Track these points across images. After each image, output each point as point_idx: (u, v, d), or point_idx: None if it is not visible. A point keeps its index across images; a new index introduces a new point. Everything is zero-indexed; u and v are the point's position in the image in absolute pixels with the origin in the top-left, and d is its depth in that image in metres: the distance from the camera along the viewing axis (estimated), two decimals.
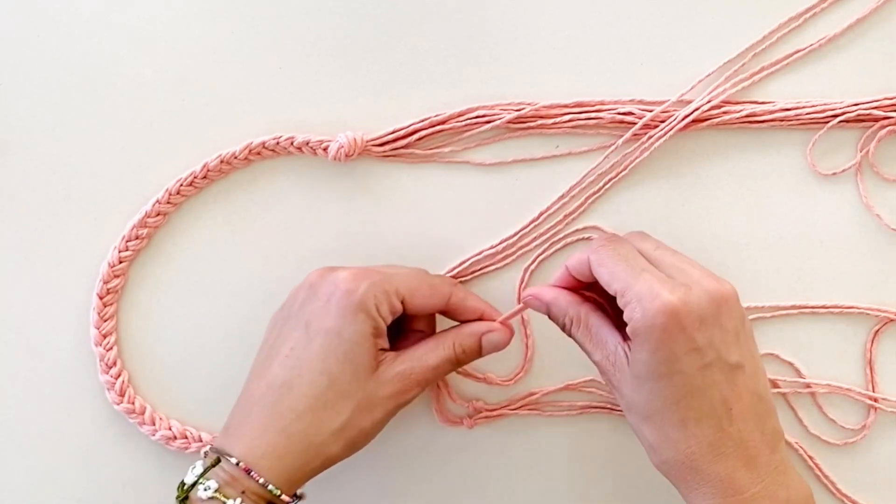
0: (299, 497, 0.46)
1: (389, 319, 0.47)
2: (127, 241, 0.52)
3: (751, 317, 0.51)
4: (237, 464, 0.44)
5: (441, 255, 0.52)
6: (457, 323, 0.50)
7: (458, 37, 0.51)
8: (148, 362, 0.53)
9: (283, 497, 0.44)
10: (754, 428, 0.42)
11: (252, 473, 0.43)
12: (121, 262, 0.52)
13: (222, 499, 0.43)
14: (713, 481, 0.42)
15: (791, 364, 0.52)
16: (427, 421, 0.53)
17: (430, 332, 0.50)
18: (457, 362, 0.48)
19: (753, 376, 0.43)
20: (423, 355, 0.47)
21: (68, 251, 0.52)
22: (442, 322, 0.50)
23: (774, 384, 0.52)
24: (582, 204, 0.52)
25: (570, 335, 0.46)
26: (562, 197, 0.52)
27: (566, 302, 0.46)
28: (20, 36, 0.52)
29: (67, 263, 0.52)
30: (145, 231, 0.52)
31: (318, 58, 0.52)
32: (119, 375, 0.52)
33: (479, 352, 0.48)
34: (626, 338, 0.43)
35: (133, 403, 0.52)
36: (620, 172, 0.51)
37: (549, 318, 0.47)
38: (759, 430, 0.42)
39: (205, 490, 0.43)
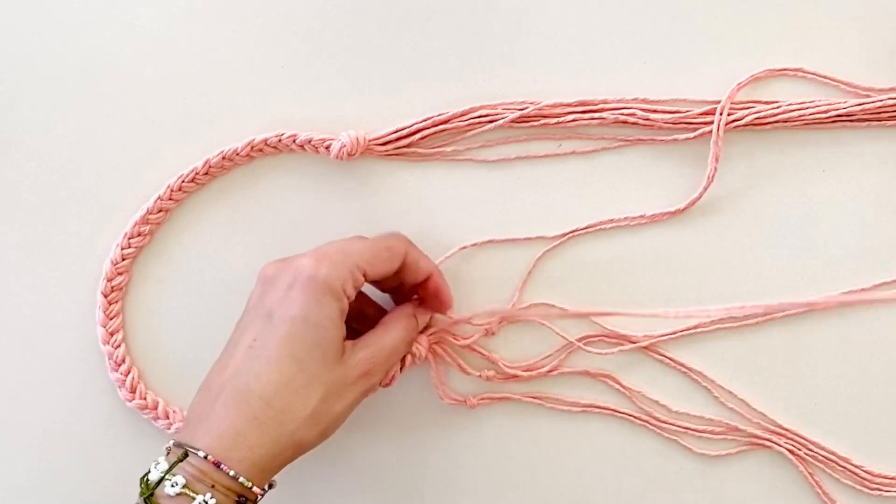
0: (270, 486, 0.45)
1: (353, 295, 0.46)
2: (129, 238, 0.52)
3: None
4: (205, 457, 0.41)
5: (443, 255, 0.52)
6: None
7: (461, 35, 0.51)
8: (155, 358, 0.53)
9: (255, 489, 0.42)
10: None
11: (222, 466, 0.41)
12: (123, 260, 0.52)
13: (192, 495, 0.41)
14: None
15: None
16: (429, 398, 0.53)
17: (378, 316, 0.50)
18: (409, 342, 0.49)
19: None
20: (381, 339, 0.47)
21: (71, 249, 0.53)
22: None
23: None
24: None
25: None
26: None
27: None
28: (22, 34, 0.52)
29: (70, 262, 0.53)
30: (147, 228, 0.52)
31: (320, 56, 0.51)
32: (129, 372, 0.52)
33: (416, 328, 0.50)
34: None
35: (145, 399, 0.52)
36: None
37: None
38: None
39: (172, 486, 0.41)
